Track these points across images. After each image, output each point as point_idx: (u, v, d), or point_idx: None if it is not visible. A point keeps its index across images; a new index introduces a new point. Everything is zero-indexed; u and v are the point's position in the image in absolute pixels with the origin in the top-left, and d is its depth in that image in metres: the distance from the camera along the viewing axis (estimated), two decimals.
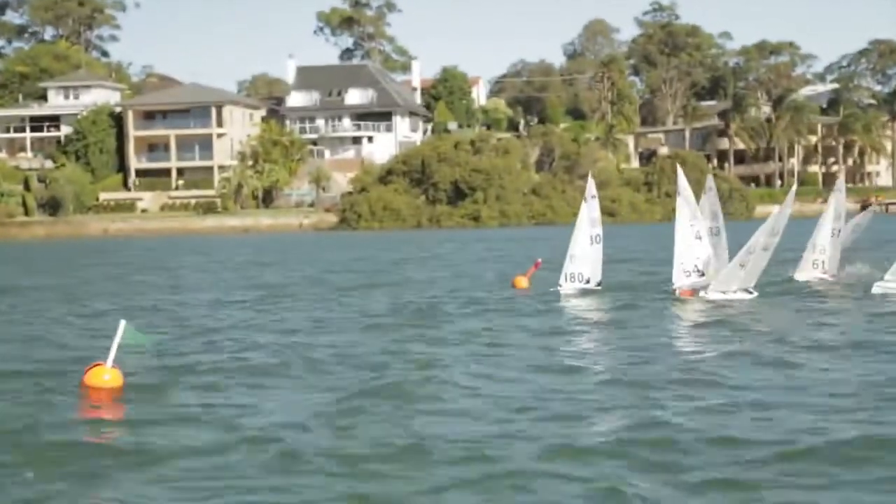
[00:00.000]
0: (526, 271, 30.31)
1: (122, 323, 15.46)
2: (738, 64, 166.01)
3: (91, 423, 13.06)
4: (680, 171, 27.45)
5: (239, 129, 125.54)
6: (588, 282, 26.27)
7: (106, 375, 14.82)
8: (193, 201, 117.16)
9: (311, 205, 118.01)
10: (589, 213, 26.34)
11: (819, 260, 28.75)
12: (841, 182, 30.81)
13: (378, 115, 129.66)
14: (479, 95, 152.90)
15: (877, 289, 24.79)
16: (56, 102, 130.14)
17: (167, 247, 73.81)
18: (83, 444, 11.76)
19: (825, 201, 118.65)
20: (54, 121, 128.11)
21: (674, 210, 27.77)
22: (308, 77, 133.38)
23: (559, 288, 26.26)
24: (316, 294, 29.83)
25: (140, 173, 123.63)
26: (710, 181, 30.70)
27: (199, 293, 31.13)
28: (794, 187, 27.02)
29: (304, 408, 12.99)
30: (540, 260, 30.31)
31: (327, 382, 14.89)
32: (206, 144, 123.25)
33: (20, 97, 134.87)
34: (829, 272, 28.64)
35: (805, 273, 28.77)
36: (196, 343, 19.19)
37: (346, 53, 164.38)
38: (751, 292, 24.07)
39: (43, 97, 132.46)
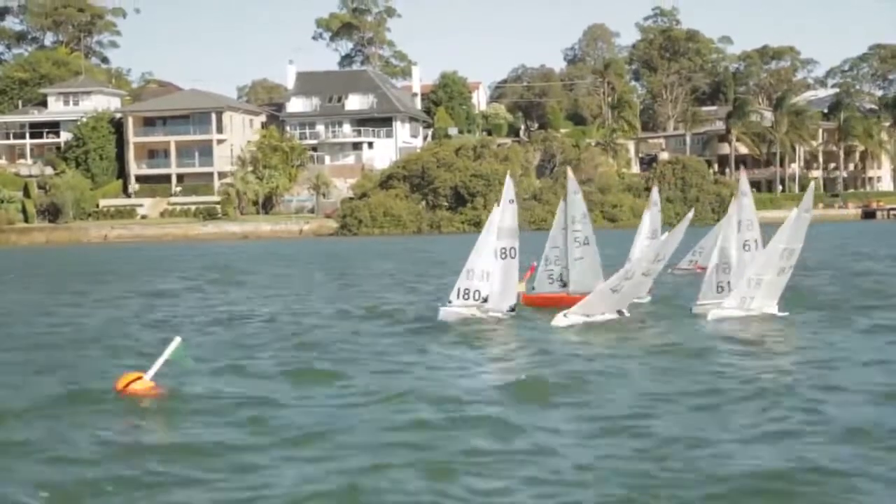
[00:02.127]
0: (521, 276, 29.97)
1: (177, 339, 15.49)
2: (738, 69, 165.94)
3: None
4: (570, 175, 25.80)
5: (239, 135, 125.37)
6: (485, 300, 23.05)
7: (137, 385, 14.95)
8: (193, 207, 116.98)
9: (312, 211, 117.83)
10: (502, 222, 23.05)
11: (724, 282, 24.31)
12: (744, 184, 24.86)
13: (378, 121, 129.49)
14: (480, 101, 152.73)
15: (699, 309, 23.79)
16: (56, 109, 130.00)
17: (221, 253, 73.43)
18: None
19: (826, 206, 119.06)
20: (54, 127, 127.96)
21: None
22: (308, 83, 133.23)
23: (448, 305, 23.55)
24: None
25: (140, 179, 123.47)
26: (654, 194, 29.83)
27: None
28: (690, 214, 24.00)
29: None
30: (535, 264, 29.52)
31: None
32: (205, 150, 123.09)
33: (20, 103, 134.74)
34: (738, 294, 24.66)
35: (708, 300, 24.31)
36: None
37: (346, 59, 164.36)
38: (623, 313, 22.76)
39: (43, 103, 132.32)
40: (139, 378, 15.11)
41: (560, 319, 21.95)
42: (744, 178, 25.30)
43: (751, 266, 23.23)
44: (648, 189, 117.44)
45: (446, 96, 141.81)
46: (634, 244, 30.84)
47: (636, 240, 30.94)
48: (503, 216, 22.87)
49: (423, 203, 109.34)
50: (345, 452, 11.68)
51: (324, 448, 12.00)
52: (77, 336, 22.83)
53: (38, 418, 13.80)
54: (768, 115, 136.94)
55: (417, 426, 12.83)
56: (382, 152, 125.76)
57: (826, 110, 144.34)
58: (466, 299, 22.91)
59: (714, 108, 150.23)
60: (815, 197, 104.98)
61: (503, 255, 22.78)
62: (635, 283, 22.26)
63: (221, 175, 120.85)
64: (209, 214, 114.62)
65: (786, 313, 23.16)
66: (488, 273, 22.76)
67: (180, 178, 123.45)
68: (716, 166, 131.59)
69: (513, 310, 23.16)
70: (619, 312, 22.81)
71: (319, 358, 18.52)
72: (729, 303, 23.26)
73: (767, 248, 23.02)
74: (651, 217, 29.45)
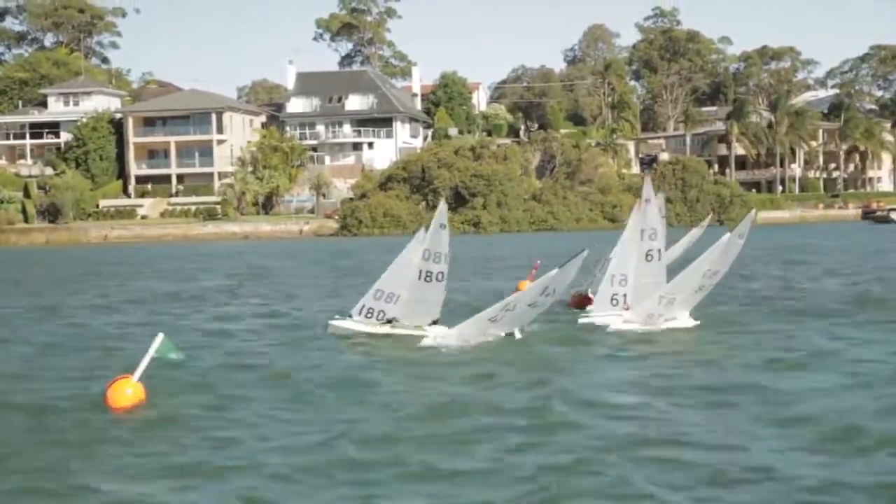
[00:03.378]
0: (528, 275, 29.95)
1: (160, 336, 15.23)
2: (738, 69, 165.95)
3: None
4: (441, 209, 22.00)
5: (239, 135, 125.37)
6: (389, 322, 21.75)
7: (128, 390, 14.66)
8: (193, 208, 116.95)
9: (312, 211, 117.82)
10: (433, 246, 21.56)
11: (619, 294, 23.30)
12: (648, 190, 23.09)
13: (378, 121, 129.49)
14: (480, 101, 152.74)
15: (585, 320, 22.71)
16: (56, 109, 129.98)
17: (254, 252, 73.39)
18: None
19: (827, 207, 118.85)
20: (54, 127, 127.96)
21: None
22: (308, 83, 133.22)
23: (335, 320, 22.56)
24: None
25: (140, 180, 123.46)
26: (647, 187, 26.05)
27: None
28: (585, 252, 19.94)
29: None
30: (539, 261, 29.25)
31: None
32: (206, 151, 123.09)
33: (20, 104, 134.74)
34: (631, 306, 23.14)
35: (600, 310, 23.42)
36: None
37: (346, 59, 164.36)
38: (514, 333, 20.88)
39: (43, 104, 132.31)
40: (127, 378, 14.85)
41: (430, 340, 20.50)
42: (647, 184, 23.48)
43: (668, 284, 21.98)
44: None
45: (446, 97, 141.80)
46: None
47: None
48: (433, 239, 21.42)
49: (423, 203, 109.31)
50: None
51: None
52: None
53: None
54: (768, 115, 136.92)
55: None
56: (382, 153, 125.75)
57: (826, 111, 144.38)
58: (369, 317, 21.83)
59: (714, 108, 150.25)
60: (815, 197, 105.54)
61: (427, 279, 21.40)
62: (517, 314, 20.34)
63: (221, 175, 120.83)
64: (209, 215, 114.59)
65: (697, 322, 22.07)
66: (398, 296, 21.62)
67: (180, 178, 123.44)
68: (716, 167, 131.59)
69: (436, 322, 21.62)
70: (510, 332, 20.79)
71: None
72: (629, 316, 22.23)
73: (690, 267, 21.74)
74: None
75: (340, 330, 22.04)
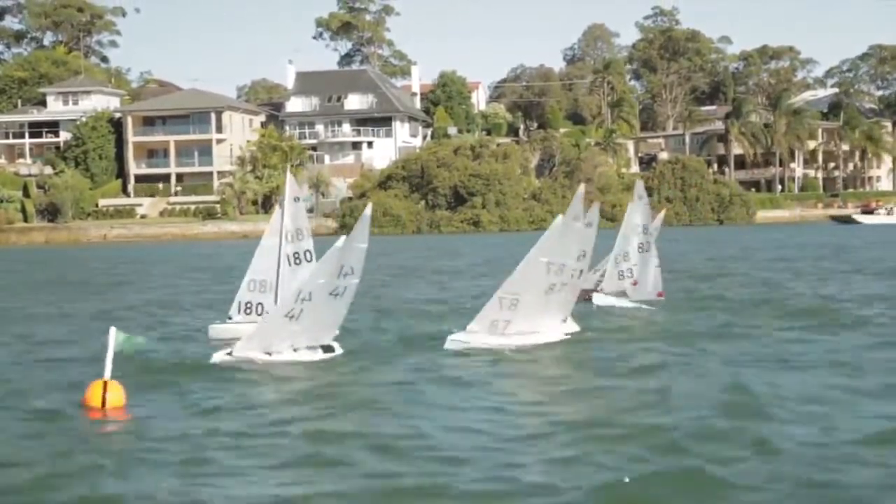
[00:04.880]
0: None
1: (112, 330, 15.07)
2: (738, 69, 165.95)
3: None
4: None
5: (238, 134, 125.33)
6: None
7: (107, 392, 14.44)
8: (193, 207, 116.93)
9: (311, 210, 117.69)
10: (288, 224, 20.30)
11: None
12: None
13: (377, 121, 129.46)
14: (479, 100, 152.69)
15: (452, 343, 19.23)
16: (55, 108, 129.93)
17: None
18: None
19: (826, 206, 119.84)
20: (53, 127, 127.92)
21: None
22: (307, 82, 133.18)
23: (227, 322, 20.87)
24: None
25: (139, 179, 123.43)
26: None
27: None
28: (368, 209, 17.44)
29: None
30: None
31: None
32: (205, 150, 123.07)
33: (19, 103, 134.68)
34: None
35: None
36: None
37: (346, 59, 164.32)
38: (328, 349, 18.16)
39: (42, 103, 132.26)
40: (105, 382, 14.63)
41: (221, 356, 17.79)
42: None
43: (505, 282, 19.48)
44: (648, 189, 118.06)
45: (445, 96, 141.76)
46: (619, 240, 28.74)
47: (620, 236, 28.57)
48: (291, 217, 20.20)
49: (423, 203, 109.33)
50: None
51: None
52: None
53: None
54: (767, 115, 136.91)
55: None
56: (382, 152, 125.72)
57: (825, 110, 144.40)
58: (248, 314, 20.55)
59: (713, 107, 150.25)
60: (815, 197, 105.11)
61: (297, 261, 20.18)
62: (320, 306, 17.22)
63: (221, 175, 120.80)
64: (208, 214, 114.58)
65: (576, 329, 20.33)
66: (271, 283, 20.32)
67: (180, 177, 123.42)
68: (715, 166, 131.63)
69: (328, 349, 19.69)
70: (326, 348, 18.23)
71: None
72: (472, 325, 19.25)
73: (525, 259, 19.23)
74: (641, 211, 26.74)
75: (225, 333, 20.40)
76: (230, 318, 20.83)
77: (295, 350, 17.93)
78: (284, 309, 17.56)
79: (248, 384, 16.37)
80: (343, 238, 17.10)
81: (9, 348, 21.41)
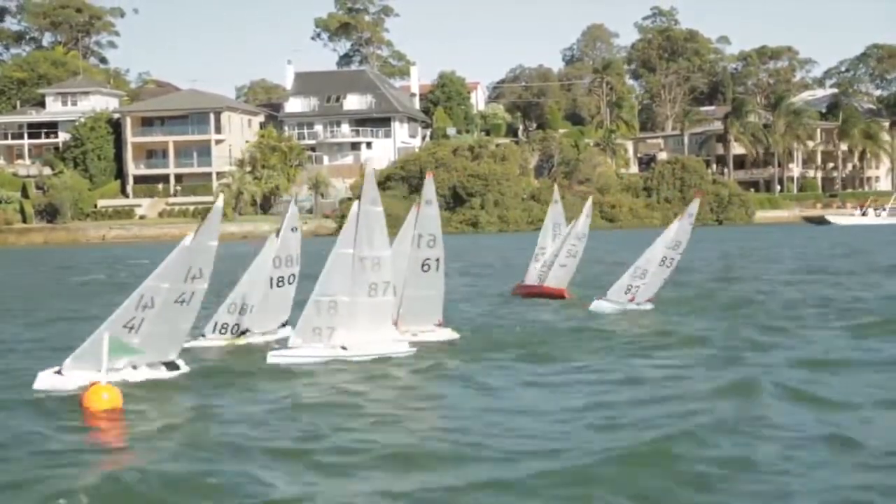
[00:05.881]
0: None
1: (106, 335, 15.07)
2: (737, 69, 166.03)
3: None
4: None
5: (237, 135, 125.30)
6: (243, 333, 20.30)
7: (105, 394, 14.42)
8: (192, 208, 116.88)
9: (310, 211, 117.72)
10: (282, 251, 20.27)
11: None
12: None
13: (376, 121, 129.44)
14: (478, 101, 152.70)
15: (274, 359, 17.72)
16: (54, 109, 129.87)
17: None
18: None
19: (824, 206, 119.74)
20: (52, 127, 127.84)
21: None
22: (306, 83, 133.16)
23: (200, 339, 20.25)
24: None
25: (138, 180, 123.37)
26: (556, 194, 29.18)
27: None
28: (219, 202, 16.95)
29: None
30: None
31: None
32: (204, 151, 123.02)
33: (18, 104, 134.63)
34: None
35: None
36: None
37: (345, 59, 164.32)
38: (172, 367, 16.37)
39: (41, 104, 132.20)
40: (97, 384, 14.65)
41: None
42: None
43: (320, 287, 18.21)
44: (647, 189, 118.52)
45: (444, 96, 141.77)
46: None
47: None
48: (283, 245, 20.14)
49: None
50: None
51: None
52: None
53: None
54: (766, 115, 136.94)
55: None
56: (381, 152, 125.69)
57: (824, 110, 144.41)
58: (223, 333, 20.44)
59: (712, 108, 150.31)
60: (813, 197, 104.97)
61: (279, 284, 20.18)
62: (162, 312, 15.41)
63: (220, 175, 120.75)
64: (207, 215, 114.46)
65: (455, 336, 19.46)
66: (252, 306, 20.35)
67: (178, 178, 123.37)
68: (714, 166, 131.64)
69: (284, 325, 20.48)
70: (169, 366, 16.34)
71: None
72: (294, 340, 18.07)
73: (332, 253, 18.08)
74: (684, 230, 27.04)
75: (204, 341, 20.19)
76: (203, 336, 20.47)
77: (134, 368, 15.89)
78: (122, 319, 15.11)
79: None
80: (190, 235, 15.46)
81: None
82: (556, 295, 29.29)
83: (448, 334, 20.10)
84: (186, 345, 19.00)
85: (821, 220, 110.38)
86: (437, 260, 19.77)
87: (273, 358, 17.50)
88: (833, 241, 68.11)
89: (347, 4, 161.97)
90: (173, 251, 15.27)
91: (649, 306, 26.06)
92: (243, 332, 20.52)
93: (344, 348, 17.55)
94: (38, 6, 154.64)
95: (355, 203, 17.66)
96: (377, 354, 17.67)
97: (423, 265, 19.68)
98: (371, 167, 17.92)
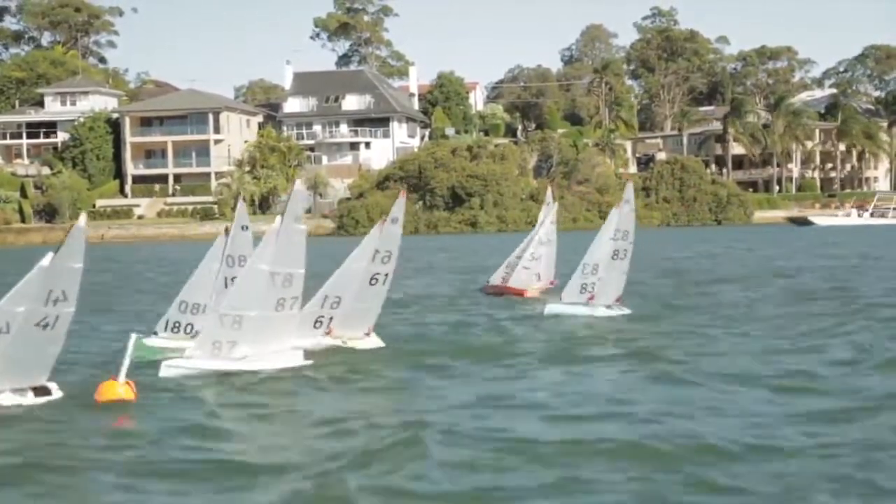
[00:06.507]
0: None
1: (133, 336, 15.48)
2: (736, 69, 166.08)
3: None
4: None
5: (236, 135, 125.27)
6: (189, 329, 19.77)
7: (119, 389, 14.89)
8: (190, 208, 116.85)
9: (309, 211, 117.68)
10: (233, 250, 19.95)
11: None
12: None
13: (375, 121, 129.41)
14: (477, 101, 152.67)
15: (167, 370, 17.25)
16: (53, 108, 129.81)
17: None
18: None
19: (823, 206, 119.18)
20: (51, 127, 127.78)
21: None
22: (305, 83, 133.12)
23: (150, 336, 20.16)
24: None
25: (137, 179, 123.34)
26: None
27: None
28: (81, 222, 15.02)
29: None
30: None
31: None
32: (203, 151, 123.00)
33: (17, 103, 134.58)
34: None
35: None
36: None
37: (343, 59, 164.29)
38: (42, 392, 15.28)
39: (40, 103, 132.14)
40: (113, 381, 15.12)
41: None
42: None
43: (227, 296, 18.06)
44: (646, 189, 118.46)
45: (443, 96, 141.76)
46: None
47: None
48: (233, 244, 19.86)
49: (420, 203, 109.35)
50: None
51: None
52: None
53: None
54: (765, 115, 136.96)
55: None
56: (379, 152, 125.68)
57: (823, 110, 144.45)
58: (175, 332, 20.22)
59: (711, 108, 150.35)
60: (812, 197, 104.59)
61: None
62: (21, 338, 14.41)
63: (219, 175, 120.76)
64: (206, 214, 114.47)
65: (308, 362, 18.09)
66: (204, 306, 19.93)
67: (177, 178, 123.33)
68: (713, 166, 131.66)
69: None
70: (38, 391, 15.24)
71: None
72: (191, 350, 17.51)
73: (246, 268, 17.86)
74: (627, 216, 25.85)
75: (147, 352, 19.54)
76: (155, 334, 20.34)
77: None
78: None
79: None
80: (50, 255, 14.12)
81: None
82: (515, 293, 31.22)
83: (374, 342, 20.07)
84: (146, 341, 19.09)
85: (804, 222, 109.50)
86: (387, 275, 19.79)
87: (166, 369, 17.09)
88: (793, 244, 66.48)
89: (346, 4, 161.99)
90: (31, 272, 14.18)
91: (627, 311, 25.27)
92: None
93: (240, 360, 17.23)
94: (37, 6, 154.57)
95: (277, 218, 17.19)
96: (272, 366, 17.38)
97: (371, 279, 19.62)
98: (300, 185, 17.51)
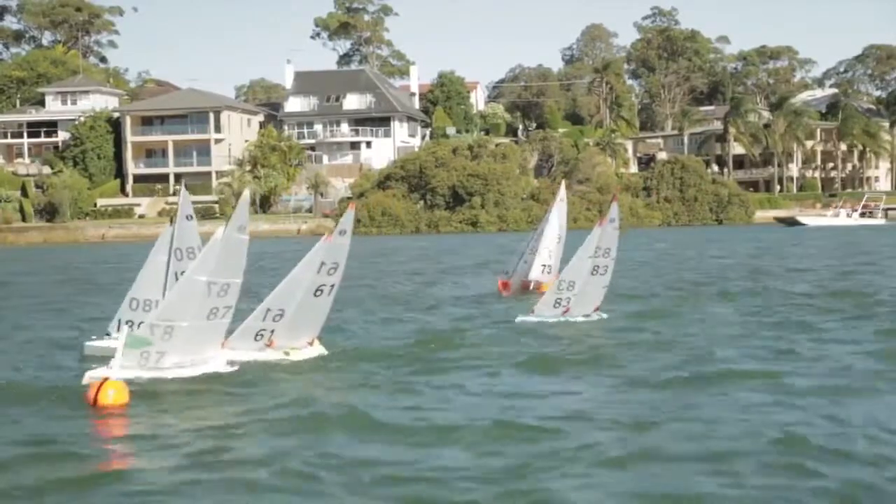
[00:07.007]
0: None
1: (125, 329, 15.41)
2: (736, 69, 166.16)
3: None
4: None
5: (237, 134, 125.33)
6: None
7: (111, 390, 14.76)
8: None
9: (309, 210, 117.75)
10: (180, 241, 19.76)
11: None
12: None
13: (376, 121, 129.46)
14: (478, 100, 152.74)
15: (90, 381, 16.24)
16: (54, 108, 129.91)
17: None
18: None
19: (824, 206, 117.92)
20: (52, 126, 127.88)
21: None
22: (306, 82, 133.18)
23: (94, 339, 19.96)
24: None
25: (137, 179, 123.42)
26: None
27: None
28: None
29: None
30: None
31: None
32: (203, 150, 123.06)
33: (18, 102, 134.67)
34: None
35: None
36: None
37: (344, 59, 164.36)
38: None
39: (40, 103, 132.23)
40: (106, 378, 15.00)
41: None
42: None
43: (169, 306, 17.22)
44: (647, 189, 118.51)
45: (444, 96, 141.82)
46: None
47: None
48: (180, 236, 19.61)
49: (421, 203, 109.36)
50: None
51: None
52: None
53: None
54: (766, 114, 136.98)
55: None
56: (380, 152, 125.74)
57: (823, 110, 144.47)
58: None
59: (712, 107, 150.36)
60: (813, 196, 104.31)
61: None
62: None
63: (219, 175, 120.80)
64: (207, 214, 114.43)
65: (234, 368, 17.80)
66: (155, 303, 19.37)
67: (178, 177, 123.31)
68: (714, 166, 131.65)
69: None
70: None
71: None
72: (117, 360, 16.50)
73: (184, 278, 17.34)
74: (609, 235, 24.80)
75: (97, 351, 19.33)
76: (108, 335, 19.76)
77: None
78: None
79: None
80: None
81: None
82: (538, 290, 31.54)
83: (318, 351, 19.73)
84: (97, 343, 19.21)
85: (793, 222, 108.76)
86: (332, 286, 19.35)
87: (90, 380, 16.25)
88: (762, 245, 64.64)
89: (347, 4, 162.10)
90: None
91: (604, 316, 24.76)
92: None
93: (164, 368, 16.93)
94: (38, 5, 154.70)
95: (220, 228, 16.84)
96: (197, 373, 17.16)
97: (316, 290, 19.18)
98: (247, 193, 16.89)
